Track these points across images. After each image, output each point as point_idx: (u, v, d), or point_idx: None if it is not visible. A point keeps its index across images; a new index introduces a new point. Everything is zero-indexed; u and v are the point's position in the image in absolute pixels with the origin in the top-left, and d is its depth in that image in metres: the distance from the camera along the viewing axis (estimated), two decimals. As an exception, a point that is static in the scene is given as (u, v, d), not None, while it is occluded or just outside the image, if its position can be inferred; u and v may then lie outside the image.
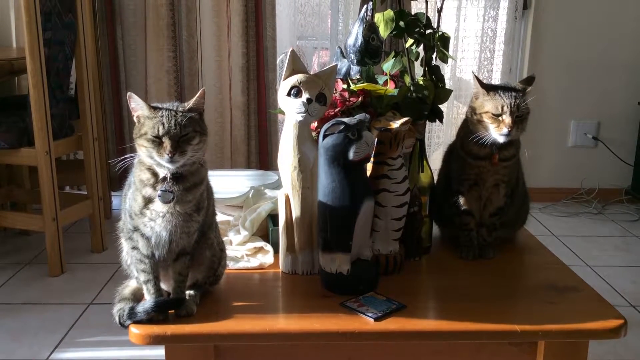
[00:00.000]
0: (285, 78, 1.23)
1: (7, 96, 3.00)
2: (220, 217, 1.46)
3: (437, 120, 1.41)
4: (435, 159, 3.47)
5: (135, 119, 1.06)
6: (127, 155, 1.09)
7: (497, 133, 1.28)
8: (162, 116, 1.02)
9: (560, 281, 1.28)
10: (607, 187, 3.48)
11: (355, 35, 1.50)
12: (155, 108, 1.04)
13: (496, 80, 3.43)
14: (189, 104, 1.06)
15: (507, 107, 1.27)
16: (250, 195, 1.58)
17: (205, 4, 3.08)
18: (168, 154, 1.01)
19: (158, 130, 1.02)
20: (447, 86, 1.43)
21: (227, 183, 1.73)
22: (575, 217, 3.31)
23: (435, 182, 1.45)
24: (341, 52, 1.58)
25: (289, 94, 1.22)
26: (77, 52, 2.51)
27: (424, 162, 1.41)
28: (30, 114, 2.31)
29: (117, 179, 3.19)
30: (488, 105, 1.29)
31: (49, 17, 2.30)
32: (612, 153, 3.43)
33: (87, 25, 2.53)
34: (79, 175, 2.82)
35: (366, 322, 1.09)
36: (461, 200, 1.39)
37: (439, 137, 3.49)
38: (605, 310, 1.16)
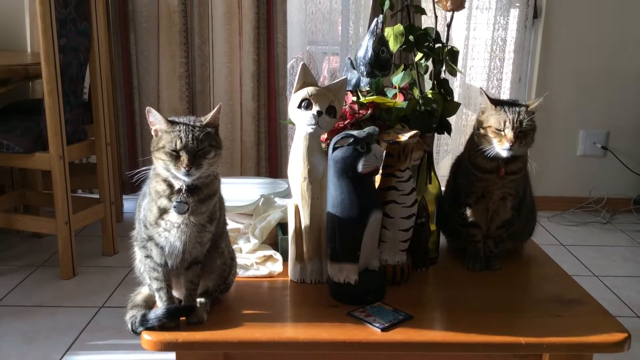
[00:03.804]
0: (296, 91, 1.26)
1: (21, 100, 3.04)
2: (230, 225, 1.48)
3: (445, 132, 1.43)
4: (443, 166, 3.49)
5: (153, 132, 1.08)
6: (143, 168, 1.12)
7: (499, 147, 1.31)
8: (179, 130, 1.05)
9: (565, 294, 1.29)
10: (616, 196, 3.48)
11: (365, 47, 1.52)
12: (173, 122, 1.07)
13: (506, 88, 3.45)
14: (206, 118, 1.09)
15: (510, 122, 1.29)
16: (260, 204, 1.61)
17: (218, 11, 3.11)
18: (185, 168, 1.04)
19: (176, 144, 1.05)
20: (457, 94, 1.45)
21: (238, 191, 1.76)
22: (583, 226, 3.31)
23: (442, 193, 1.47)
24: (351, 63, 1.61)
25: (299, 106, 1.25)
26: (91, 58, 2.55)
27: (432, 173, 1.43)
28: (44, 119, 2.35)
29: (129, 183, 3.23)
30: (492, 119, 1.32)
31: (64, 24, 2.34)
32: (621, 163, 3.43)
33: (101, 32, 2.57)
34: (91, 179, 2.86)
35: (373, 332, 1.12)
36: (468, 212, 1.41)
37: (448, 145, 3.51)
38: (610, 323, 1.17)
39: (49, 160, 2.38)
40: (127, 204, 3.22)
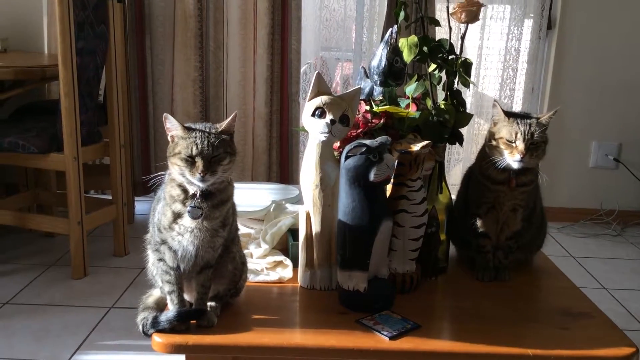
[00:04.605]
0: (310, 99, 1.28)
1: (37, 100, 3.08)
2: (241, 230, 1.50)
3: (457, 143, 1.44)
4: (454, 174, 3.49)
5: (169, 138, 1.10)
6: (159, 173, 1.14)
7: (510, 159, 1.31)
8: (195, 137, 1.07)
9: (574, 307, 1.30)
10: (627, 209, 3.46)
11: (379, 57, 1.53)
12: (189, 129, 1.09)
13: (518, 99, 3.45)
14: (221, 126, 1.11)
15: (521, 134, 1.30)
16: (271, 209, 1.62)
17: (233, 16, 3.14)
18: (200, 174, 1.06)
19: (191, 151, 1.06)
20: (469, 103, 1.46)
21: (249, 196, 1.77)
22: (593, 238, 3.29)
23: (453, 203, 1.48)
24: (365, 72, 1.62)
25: (313, 115, 1.26)
26: (107, 61, 2.58)
27: (443, 183, 1.44)
28: (60, 121, 2.38)
29: (141, 185, 3.27)
30: (503, 131, 1.32)
31: (82, 27, 2.37)
32: (633, 175, 3.42)
33: (118, 35, 2.60)
34: (104, 180, 2.89)
35: (381, 340, 1.12)
36: (479, 222, 1.42)
37: (459, 154, 3.51)
38: (618, 337, 1.17)
39: (63, 161, 2.41)
40: (139, 205, 3.25)
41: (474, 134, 3.46)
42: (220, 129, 1.10)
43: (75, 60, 2.33)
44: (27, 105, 2.95)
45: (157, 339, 1.12)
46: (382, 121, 1.36)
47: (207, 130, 1.09)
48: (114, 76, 2.61)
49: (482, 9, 1.43)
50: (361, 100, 1.44)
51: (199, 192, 1.09)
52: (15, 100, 2.93)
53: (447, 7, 1.45)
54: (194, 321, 1.14)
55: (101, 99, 2.80)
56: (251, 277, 1.34)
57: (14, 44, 3.15)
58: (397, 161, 1.26)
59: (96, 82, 2.57)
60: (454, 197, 1.51)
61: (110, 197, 2.75)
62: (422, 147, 1.25)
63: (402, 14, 1.43)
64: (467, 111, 1.45)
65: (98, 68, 2.54)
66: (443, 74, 1.43)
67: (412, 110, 1.40)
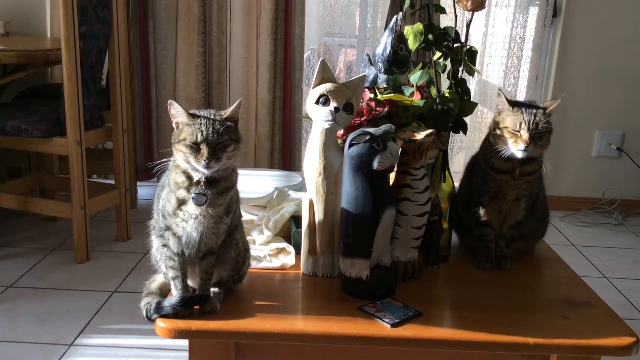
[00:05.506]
0: (315, 86, 1.27)
1: (40, 84, 3.07)
2: (244, 217, 1.51)
3: (461, 131, 1.44)
4: (456, 162, 3.49)
5: (174, 125, 1.10)
6: (163, 160, 1.14)
7: (515, 148, 1.31)
8: (200, 124, 1.07)
9: (575, 296, 1.30)
10: (629, 198, 3.46)
11: (384, 44, 1.52)
12: (194, 115, 1.09)
13: (522, 87, 3.44)
14: (226, 112, 1.11)
15: (525, 124, 1.29)
16: (274, 196, 1.63)
17: (236, 1, 3.12)
18: (205, 160, 1.06)
19: (196, 137, 1.06)
20: (473, 91, 1.46)
21: (252, 183, 1.78)
22: (595, 227, 3.30)
23: (456, 191, 1.48)
24: (369, 59, 1.61)
25: (317, 102, 1.26)
26: (110, 46, 2.57)
27: (446, 172, 1.44)
28: (63, 105, 2.38)
29: (144, 170, 3.27)
30: (508, 120, 1.32)
31: (85, 12, 2.36)
32: (635, 165, 3.42)
33: (121, 20, 2.59)
34: (107, 165, 2.90)
35: (383, 327, 1.13)
36: (481, 211, 1.42)
37: (462, 142, 3.50)
38: (618, 327, 1.18)
39: (66, 145, 2.41)
40: (142, 190, 3.26)
41: (477, 122, 3.45)
42: (225, 116, 1.10)
43: (78, 45, 2.33)
44: (30, 89, 2.94)
45: (161, 324, 1.12)
46: (386, 109, 1.36)
47: (212, 117, 1.09)
48: (116, 61, 2.60)
49: (488, -4, 1.42)
50: (365, 87, 1.43)
51: (203, 178, 1.09)
52: (18, 84, 2.92)
53: (453, -5, 1.44)
54: (197, 307, 1.15)
55: (104, 84, 2.80)
56: (254, 264, 1.35)
57: (16, 27, 3.14)
58: (400, 149, 1.25)
59: (99, 66, 2.56)
60: (456, 185, 1.51)
61: (112, 182, 2.76)
62: (426, 136, 1.25)
63: (407, 1, 1.43)
64: (471, 99, 1.44)
65: (101, 52, 2.54)
66: (448, 62, 1.42)
67: (417, 99, 1.40)
